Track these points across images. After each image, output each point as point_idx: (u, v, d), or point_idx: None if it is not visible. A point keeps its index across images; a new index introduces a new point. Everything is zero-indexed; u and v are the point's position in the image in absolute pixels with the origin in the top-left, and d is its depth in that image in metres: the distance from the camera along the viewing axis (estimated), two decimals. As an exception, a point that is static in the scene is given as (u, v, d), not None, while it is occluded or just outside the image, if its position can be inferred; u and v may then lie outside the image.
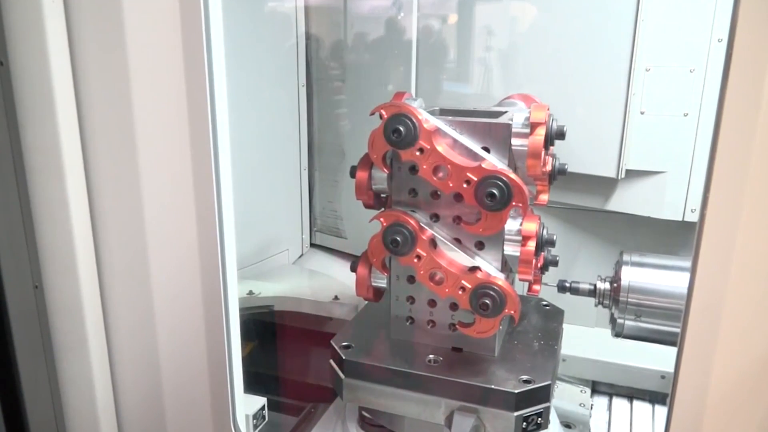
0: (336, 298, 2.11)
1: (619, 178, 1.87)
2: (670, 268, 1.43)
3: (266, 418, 1.63)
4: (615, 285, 1.44)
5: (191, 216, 1.32)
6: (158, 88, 1.28)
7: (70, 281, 1.41)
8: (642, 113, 1.85)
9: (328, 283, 2.29)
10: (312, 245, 2.69)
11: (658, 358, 1.95)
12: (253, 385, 1.60)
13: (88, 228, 1.41)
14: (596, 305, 1.50)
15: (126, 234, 1.41)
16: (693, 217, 1.87)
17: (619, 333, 1.46)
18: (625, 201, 1.96)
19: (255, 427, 1.59)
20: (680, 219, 1.89)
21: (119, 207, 1.40)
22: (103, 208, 1.41)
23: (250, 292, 2.19)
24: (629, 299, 1.41)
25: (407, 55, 2.15)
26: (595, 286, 1.49)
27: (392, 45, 2.23)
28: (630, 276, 1.42)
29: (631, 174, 1.90)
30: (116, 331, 1.50)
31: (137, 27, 1.25)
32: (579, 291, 1.51)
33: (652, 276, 1.42)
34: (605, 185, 1.96)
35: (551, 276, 1.45)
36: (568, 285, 1.52)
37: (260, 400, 1.62)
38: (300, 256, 2.63)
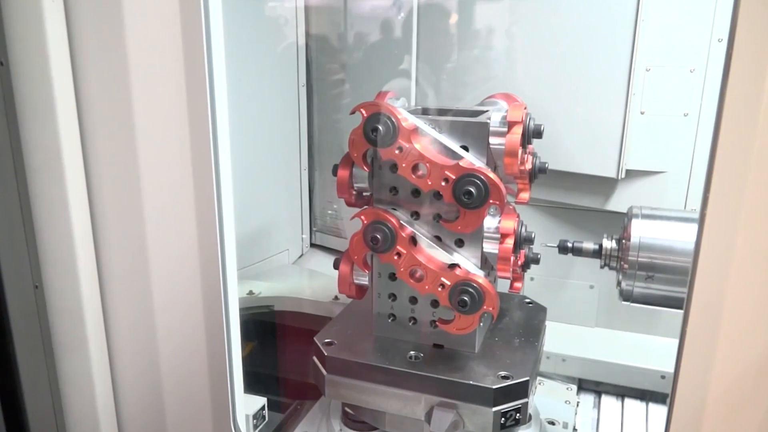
0: (336, 298, 2.11)
1: (619, 178, 1.87)
2: (686, 221, 1.23)
3: (266, 418, 1.64)
4: (624, 242, 1.28)
5: (191, 216, 1.32)
6: (158, 88, 1.28)
7: (70, 281, 1.41)
8: (642, 113, 1.84)
9: (328, 283, 2.29)
10: (312, 245, 2.69)
11: (658, 357, 1.95)
12: (253, 385, 1.60)
13: (88, 228, 1.41)
14: (602, 267, 1.37)
15: (126, 234, 1.41)
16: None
17: (627, 297, 1.30)
18: (625, 201, 1.96)
19: (255, 427, 1.59)
20: (680, 219, 1.89)
21: (119, 207, 1.40)
22: (103, 208, 1.41)
23: (250, 292, 2.19)
24: (639, 258, 1.24)
25: (407, 55, 2.15)
26: (600, 245, 1.36)
27: (392, 45, 2.23)
28: (641, 230, 1.24)
29: (631, 174, 1.90)
30: (116, 331, 1.49)
31: (137, 27, 1.25)
32: (582, 251, 1.38)
33: (665, 230, 1.24)
34: (605, 185, 1.96)
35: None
36: (570, 245, 1.40)
37: (260, 400, 1.62)
38: (300, 256, 2.63)
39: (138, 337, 1.48)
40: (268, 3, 2.29)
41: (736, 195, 0.91)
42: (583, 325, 2.16)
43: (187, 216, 1.33)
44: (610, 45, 1.80)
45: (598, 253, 1.37)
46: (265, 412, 1.63)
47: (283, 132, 2.44)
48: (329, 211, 2.62)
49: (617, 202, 1.97)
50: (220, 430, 1.46)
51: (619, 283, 1.35)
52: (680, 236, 1.20)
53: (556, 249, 1.43)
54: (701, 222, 0.94)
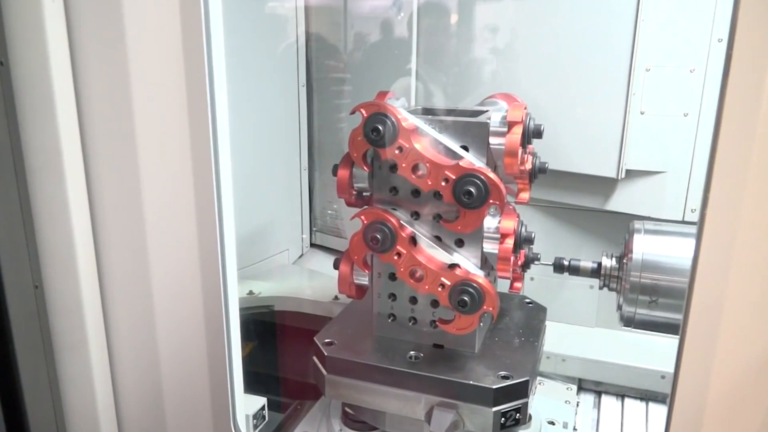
0: (336, 298, 2.11)
1: (619, 178, 1.87)
2: (694, 237, 1.04)
3: (266, 418, 1.63)
4: (625, 261, 1.16)
5: (191, 216, 1.32)
6: (158, 88, 1.28)
7: (70, 281, 1.41)
8: (642, 113, 1.84)
9: (328, 283, 2.29)
10: (312, 245, 2.69)
11: (658, 358, 1.95)
12: (253, 385, 1.60)
13: (88, 228, 1.41)
14: (601, 287, 1.28)
15: (126, 234, 1.41)
16: (693, 217, 1.87)
17: (628, 323, 1.17)
18: (625, 201, 1.96)
19: (255, 427, 1.59)
20: (680, 219, 1.89)
21: (119, 207, 1.40)
22: (103, 208, 1.41)
23: (250, 292, 2.19)
24: (642, 279, 1.10)
25: (407, 55, 2.15)
26: (599, 264, 1.26)
27: (392, 45, 2.23)
28: (644, 247, 1.10)
29: (631, 174, 1.90)
30: (116, 331, 1.49)
31: (137, 27, 1.25)
32: (579, 270, 1.29)
33: (671, 248, 1.09)
34: (605, 185, 1.96)
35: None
36: (566, 263, 1.34)
37: (260, 400, 1.62)
38: (300, 256, 2.63)
39: (138, 337, 1.48)
40: (268, 3, 2.29)
41: (736, 195, 0.91)
42: (583, 325, 2.16)
43: (187, 216, 1.33)
44: (610, 45, 1.80)
45: (596, 273, 1.27)
46: (265, 412, 1.63)
47: (283, 132, 2.44)
48: (329, 211, 2.62)
49: (617, 202, 1.97)
50: (220, 430, 1.46)
51: (619, 307, 1.24)
52: (688, 254, 0.99)
53: (552, 267, 1.37)
54: (701, 222, 0.94)
